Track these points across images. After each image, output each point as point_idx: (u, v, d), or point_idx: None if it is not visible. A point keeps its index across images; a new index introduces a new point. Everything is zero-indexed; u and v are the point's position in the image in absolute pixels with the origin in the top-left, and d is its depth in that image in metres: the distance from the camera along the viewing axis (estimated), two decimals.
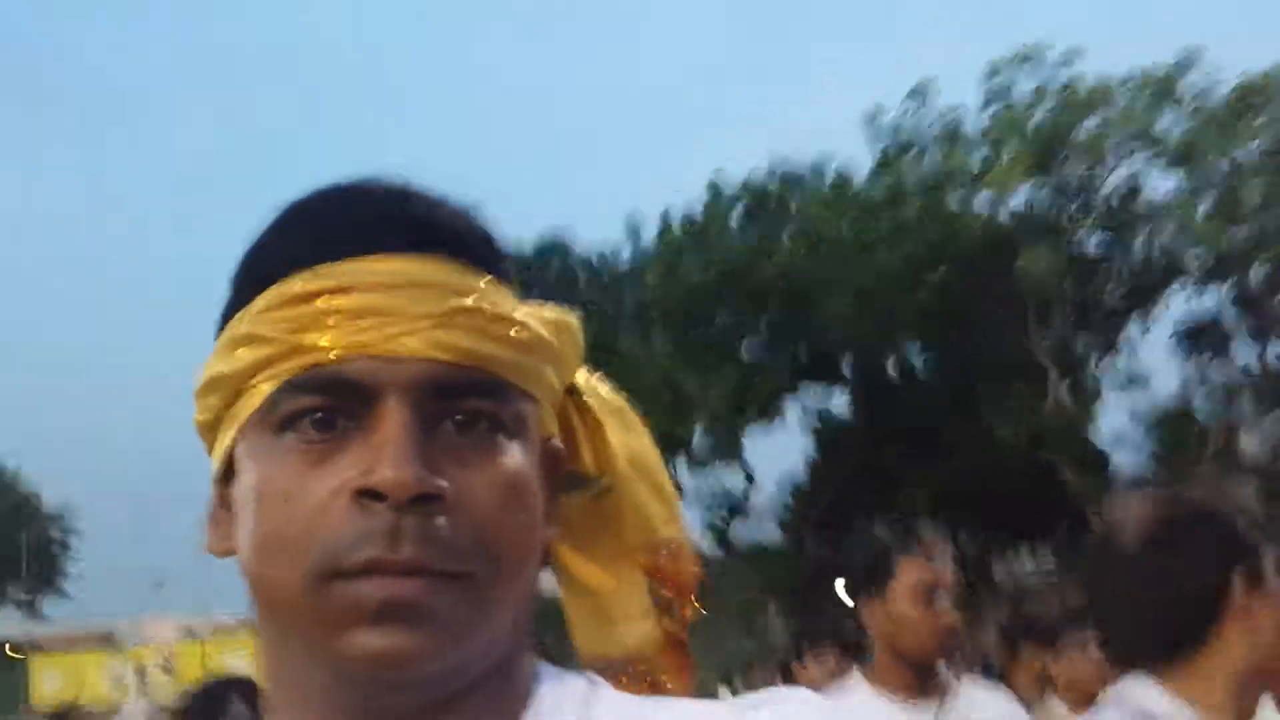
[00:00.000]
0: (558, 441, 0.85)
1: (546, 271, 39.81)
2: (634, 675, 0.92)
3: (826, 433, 32.58)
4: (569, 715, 0.79)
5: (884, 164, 27.94)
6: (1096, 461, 29.42)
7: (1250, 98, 25.59)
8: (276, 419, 0.75)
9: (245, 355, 0.76)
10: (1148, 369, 29.98)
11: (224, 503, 0.81)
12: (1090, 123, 25.91)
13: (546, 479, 0.81)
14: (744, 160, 39.06)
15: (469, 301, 0.76)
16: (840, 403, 32.39)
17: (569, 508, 0.89)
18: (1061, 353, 27.37)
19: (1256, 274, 26.98)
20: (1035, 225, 26.46)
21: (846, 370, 31.07)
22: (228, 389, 0.78)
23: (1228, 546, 1.86)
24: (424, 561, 0.71)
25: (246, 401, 0.77)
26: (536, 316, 0.81)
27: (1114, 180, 26.83)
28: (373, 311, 0.74)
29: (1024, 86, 26.61)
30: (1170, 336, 29.62)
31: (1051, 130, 25.84)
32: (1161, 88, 25.60)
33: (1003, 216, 26.85)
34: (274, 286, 0.77)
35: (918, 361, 30.72)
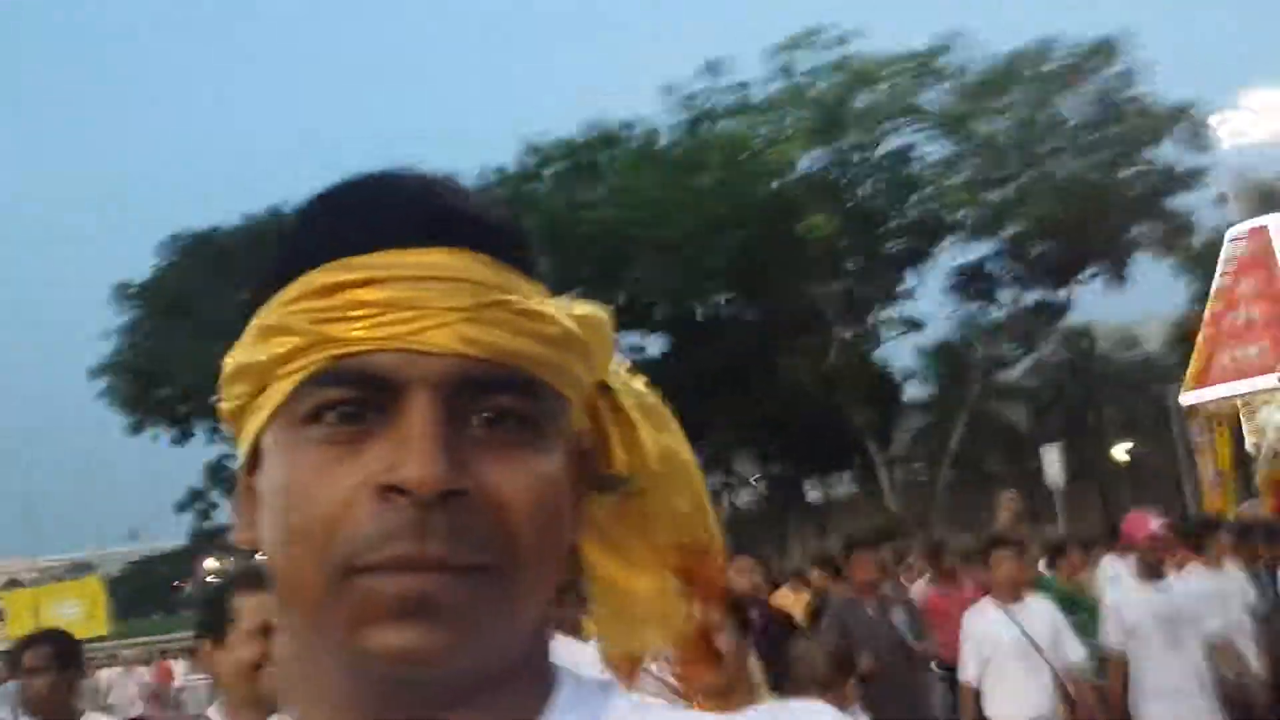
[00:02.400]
0: (588, 440, 0.84)
1: None
2: (659, 676, 0.91)
3: (642, 373, 35.10)
4: (585, 718, 0.79)
5: (687, 131, 30.40)
6: (881, 397, 32.68)
7: (1001, 77, 28.93)
8: (303, 411, 0.74)
9: (273, 346, 0.76)
10: (924, 314, 33.45)
11: (249, 493, 0.81)
12: (864, 97, 28.85)
13: (575, 479, 0.80)
14: (547, 122, 41.03)
15: (498, 296, 0.75)
16: (654, 348, 35.03)
17: (599, 507, 0.87)
18: (846, 302, 30.42)
19: (1014, 230, 30.40)
20: (818, 188, 29.26)
21: (659, 318, 33.57)
22: (254, 379, 0.77)
23: None
24: (448, 557, 0.70)
25: (273, 392, 0.76)
26: (566, 311, 0.79)
27: (887, 147, 29.87)
28: (401, 304, 0.73)
29: (804, 64, 29.53)
30: (945, 286, 33.05)
31: (830, 102, 28.69)
32: (924, 66, 28.70)
33: (790, 180, 29.54)
34: (302, 277, 0.76)
35: (722, 312, 33.42)
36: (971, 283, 32.87)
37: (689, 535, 0.93)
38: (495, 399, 0.74)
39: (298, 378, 0.75)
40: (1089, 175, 29.11)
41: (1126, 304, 35.84)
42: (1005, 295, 33.22)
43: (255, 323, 0.79)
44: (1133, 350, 37.57)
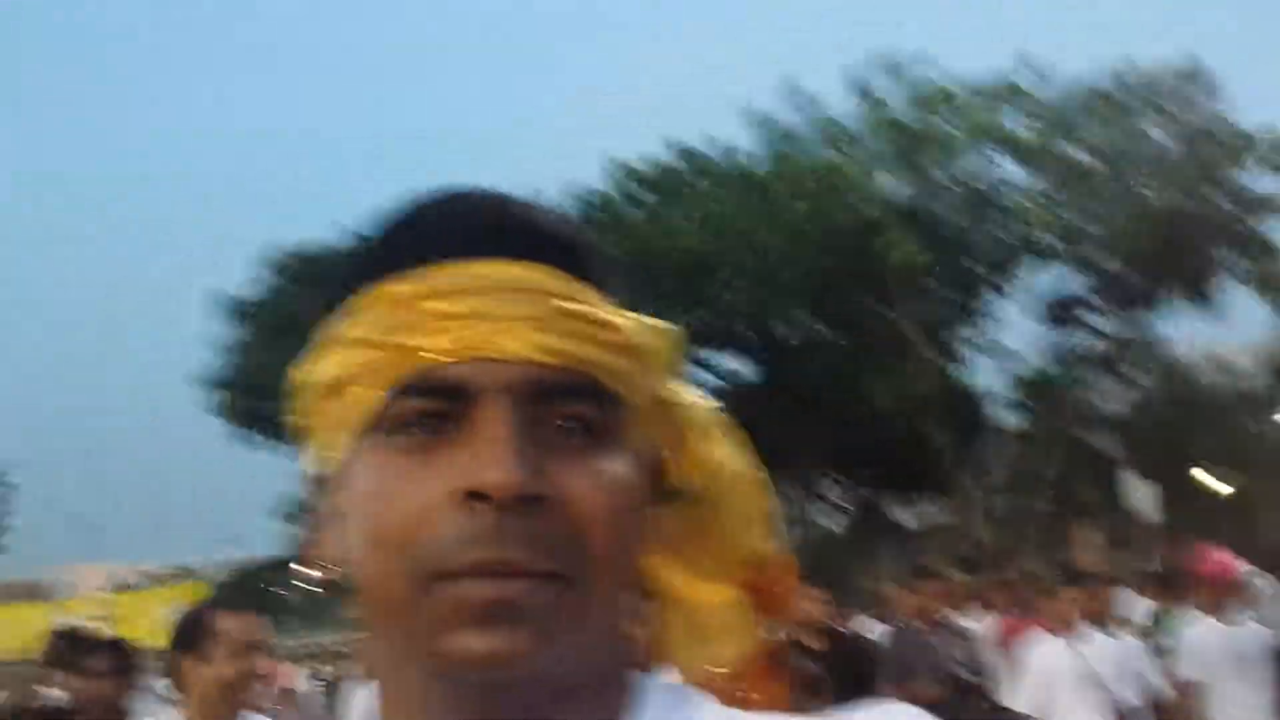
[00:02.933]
0: (654, 451, 0.85)
1: None
2: (728, 691, 0.91)
3: (727, 396, 35.51)
4: None
5: (774, 155, 30.88)
6: (964, 423, 32.64)
7: (1083, 103, 28.99)
8: (384, 422, 0.76)
9: (352, 358, 0.78)
10: (1008, 339, 33.42)
11: (328, 504, 0.83)
12: (945, 121, 29.10)
13: (648, 489, 0.82)
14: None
15: (569, 305, 0.77)
16: (743, 371, 35.45)
17: (666, 520, 0.88)
18: (927, 325, 30.55)
19: (1102, 257, 30.28)
20: (901, 212, 29.50)
21: (743, 341, 33.96)
22: (331, 392, 0.79)
23: None
24: (528, 563, 0.72)
25: (351, 404, 0.78)
26: (637, 323, 0.81)
27: (969, 172, 30.03)
28: (476, 315, 0.76)
29: (880, 85, 29.84)
30: (1031, 310, 33.00)
31: (912, 126, 28.99)
32: (1008, 91, 28.87)
33: (873, 204, 29.82)
34: (378, 289, 0.78)
35: (806, 335, 33.70)
36: (1058, 309, 32.71)
37: (751, 549, 0.94)
38: (568, 406, 0.76)
39: (378, 389, 0.76)
40: (1172, 201, 28.92)
41: (1219, 333, 35.29)
42: (1093, 321, 33.02)
43: (333, 333, 0.80)
44: (1227, 378, 36.92)
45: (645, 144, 35.56)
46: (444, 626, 0.73)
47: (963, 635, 7.91)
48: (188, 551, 49.96)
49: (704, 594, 0.92)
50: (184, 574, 39.86)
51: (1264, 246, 30.40)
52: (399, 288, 0.78)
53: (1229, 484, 35.29)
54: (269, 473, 54.22)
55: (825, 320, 32.32)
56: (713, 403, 0.93)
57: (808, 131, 30.56)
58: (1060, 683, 6.44)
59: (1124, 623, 9.75)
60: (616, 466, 0.78)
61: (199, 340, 42.53)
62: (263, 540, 55.92)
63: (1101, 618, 7.00)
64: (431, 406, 0.76)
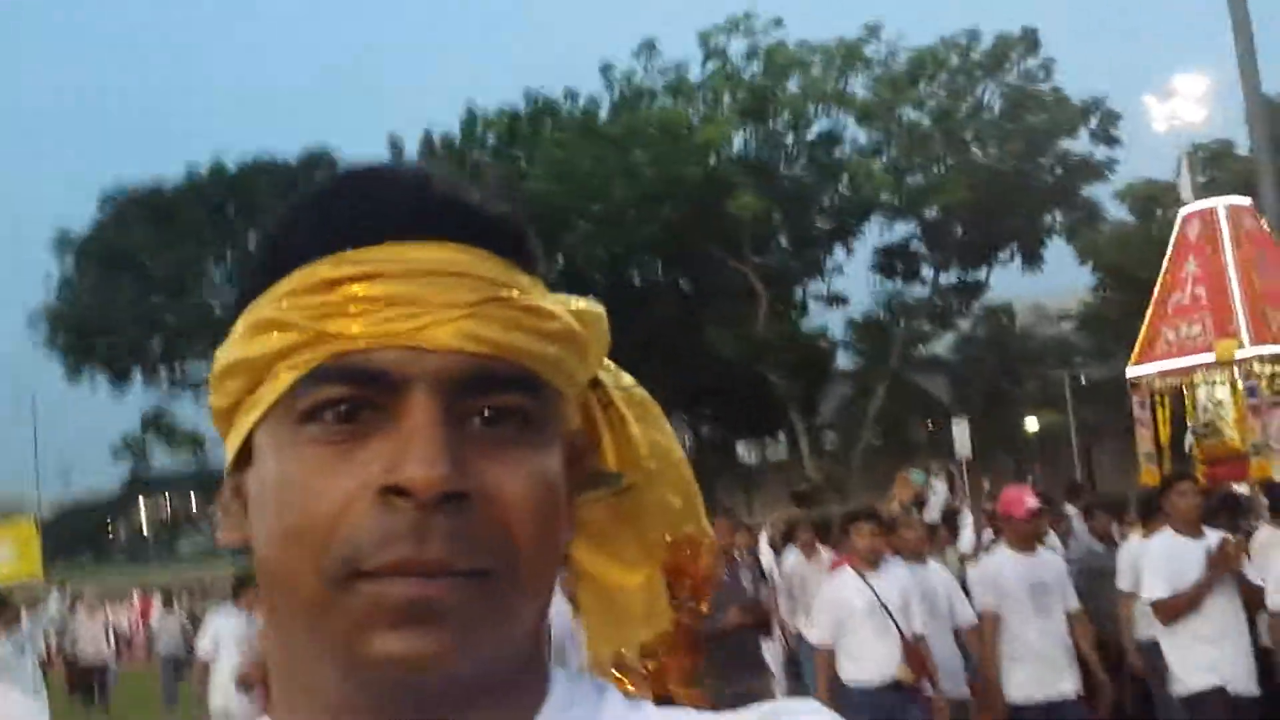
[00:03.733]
0: (580, 437, 0.82)
1: (308, 184, 41.63)
2: (643, 673, 0.91)
3: None
4: (580, 718, 0.78)
5: (625, 108, 31.39)
6: (806, 367, 34.01)
7: (924, 66, 30.29)
8: (299, 409, 0.72)
9: (269, 341, 0.73)
10: (849, 290, 34.89)
11: (238, 491, 0.79)
12: (793, 82, 30.05)
13: (569, 477, 0.78)
14: (489, 91, 41.97)
15: (500, 292, 0.73)
16: None
17: (589, 505, 0.86)
18: (772, 277, 31.65)
19: (934, 213, 31.82)
20: (748, 167, 30.40)
21: (593, 287, 34.55)
22: (249, 375, 0.75)
23: None
24: (451, 562, 0.68)
25: (268, 388, 0.74)
26: (565, 307, 0.77)
27: (815, 131, 31.14)
28: (401, 300, 0.71)
29: (735, 49, 30.75)
30: (870, 264, 34.46)
31: (761, 86, 29.86)
32: (851, 54, 29.96)
33: (722, 159, 30.64)
34: (298, 271, 0.73)
35: (654, 282, 34.50)
36: (894, 261, 34.23)
37: (681, 530, 0.92)
38: (497, 396, 0.72)
39: (296, 374, 0.72)
40: (1006, 163, 30.54)
41: (1040, 286, 37.33)
42: (926, 274, 34.71)
43: (248, 316, 0.76)
44: (1048, 329, 39.08)
45: (506, 96, 35.60)
46: (362, 627, 0.69)
47: (755, 565, 8.26)
48: (17, 486, 48.50)
49: (625, 578, 0.91)
50: (14, 507, 38.70)
51: (1087, 209, 32.39)
52: (319, 270, 0.73)
53: (1044, 424, 37.52)
54: (103, 410, 52.80)
55: (673, 269, 33.16)
56: (640, 387, 0.90)
57: (654, 84, 31.23)
58: (851, 614, 6.65)
59: (960, 555, 10.66)
60: (544, 458, 0.74)
61: (34, 276, 41.26)
62: (96, 477, 54.76)
63: (910, 551, 7.30)
64: (350, 394, 0.71)
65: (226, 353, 0.77)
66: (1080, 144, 31.75)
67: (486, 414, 0.72)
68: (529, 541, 0.72)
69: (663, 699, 0.90)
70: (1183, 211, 16.06)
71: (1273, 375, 13.95)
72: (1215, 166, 28.40)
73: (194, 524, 55.62)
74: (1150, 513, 7.46)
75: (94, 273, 40.73)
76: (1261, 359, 13.90)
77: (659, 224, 30.25)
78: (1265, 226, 15.43)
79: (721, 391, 34.52)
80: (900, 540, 7.45)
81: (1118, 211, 33.14)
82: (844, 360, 38.25)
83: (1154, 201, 30.21)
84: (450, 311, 0.71)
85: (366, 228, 0.73)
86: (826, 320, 36.56)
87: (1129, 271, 28.08)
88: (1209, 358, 14.27)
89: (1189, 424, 15.14)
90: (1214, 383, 14.70)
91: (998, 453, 34.91)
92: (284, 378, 0.73)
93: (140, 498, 55.27)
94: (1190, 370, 14.60)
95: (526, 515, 0.72)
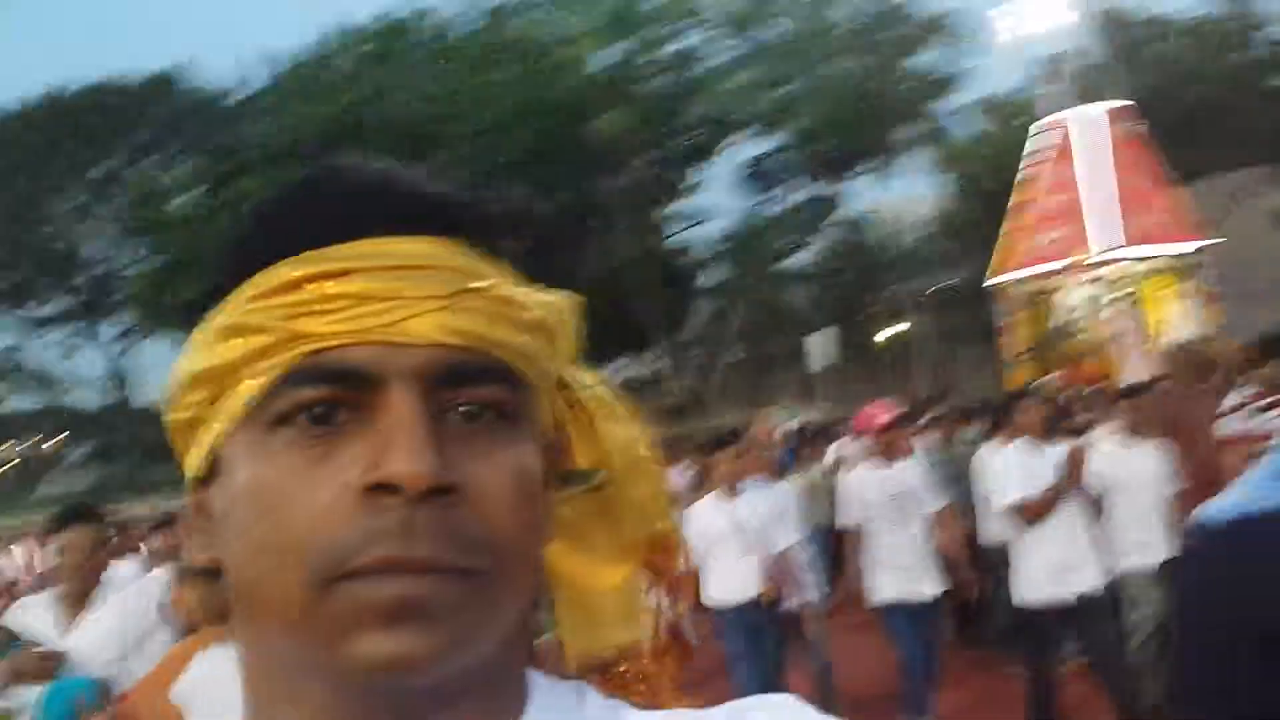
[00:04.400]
0: (552, 435, 0.81)
1: (154, 108, 40.30)
2: (623, 675, 0.89)
3: None
4: None
5: (483, 27, 31.05)
6: (664, 284, 34.40)
7: None
8: (271, 414, 0.70)
9: (234, 347, 0.71)
10: (712, 207, 35.36)
11: (203, 508, 0.76)
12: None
13: (548, 475, 0.77)
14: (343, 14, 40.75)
15: (474, 283, 0.71)
16: None
17: (561, 504, 0.84)
18: (636, 197, 31.84)
19: (796, 127, 32.32)
20: (608, 87, 30.41)
21: None
22: (215, 383, 0.72)
23: None
24: (438, 559, 0.67)
25: (235, 396, 0.71)
26: (538, 299, 0.76)
27: (673, 48, 31.24)
28: (376, 296, 0.69)
29: None
30: (731, 181, 34.96)
31: (617, 3, 29.80)
32: None
33: (581, 79, 30.58)
34: (262, 273, 0.71)
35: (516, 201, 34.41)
36: (754, 178, 34.71)
37: (653, 528, 0.91)
38: (475, 390, 0.71)
39: (268, 378, 0.70)
40: (860, 79, 31.11)
41: (894, 199, 38.27)
42: (785, 190, 35.29)
43: (213, 323, 0.74)
44: (902, 240, 40.04)
45: (356, 18, 34.72)
46: (347, 629, 0.67)
47: None
48: None
49: (600, 578, 0.89)
50: None
51: (937, 125, 33.31)
52: (286, 270, 0.71)
53: (902, 333, 38.57)
54: None
55: (536, 191, 33.02)
56: (604, 385, 0.88)
57: (516, 6, 30.91)
58: (711, 537, 6.77)
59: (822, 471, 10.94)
60: (523, 454, 0.73)
61: None
62: None
63: (760, 471, 7.42)
64: (324, 395, 0.69)
65: (188, 363, 0.75)
66: (931, 59, 32.50)
67: (464, 408, 0.71)
68: (514, 537, 0.71)
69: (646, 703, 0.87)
70: (1035, 125, 16.29)
71: (1123, 276, 14.37)
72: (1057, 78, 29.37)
73: (54, 466, 54.02)
74: (1001, 423, 7.71)
75: None
76: (1126, 260, 14.12)
77: (521, 145, 30.08)
78: (1143, 131, 15.50)
79: (587, 311, 34.68)
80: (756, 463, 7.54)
81: (970, 126, 34.09)
82: (705, 279, 38.83)
83: (1006, 113, 31.08)
84: (425, 304, 0.70)
85: (334, 225, 0.72)
86: (688, 239, 36.98)
87: (982, 181, 29.02)
88: (1062, 264, 14.57)
89: (1049, 326, 15.46)
90: (1074, 287, 14.99)
91: (858, 364, 35.82)
92: (254, 383, 0.71)
93: None
94: (1050, 275, 14.99)
95: (511, 510, 0.71)
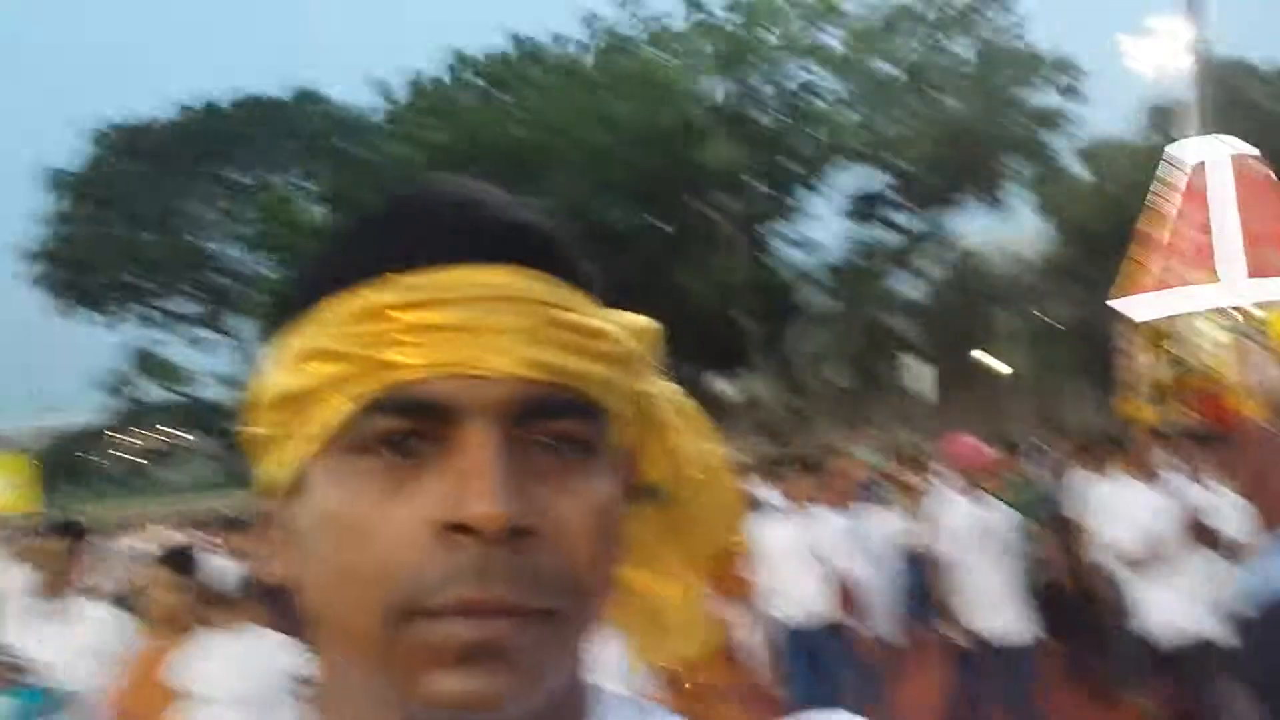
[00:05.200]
0: (627, 453, 0.79)
1: (304, 120, 42.18)
2: (688, 686, 1.15)
3: None
4: None
5: (604, 53, 32.39)
6: (772, 307, 35.27)
7: (898, 21, 31.54)
8: (351, 440, 0.69)
9: (318, 371, 0.71)
10: (820, 237, 36.33)
11: (279, 523, 0.76)
12: (768, 34, 31.23)
13: (625, 497, 0.76)
14: (469, 33, 42.37)
15: (558, 315, 0.70)
16: None
17: (635, 519, 0.81)
18: (742, 220, 32.94)
19: (903, 160, 33.12)
20: (725, 117, 31.51)
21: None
22: (294, 406, 0.72)
23: None
24: (515, 602, 0.66)
25: (316, 421, 0.71)
26: (621, 325, 0.75)
27: (789, 82, 32.34)
28: (457, 327, 0.68)
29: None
30: (841, 210, 35.88)
31: (737, 37, 30.94)
32: (825, 6, 31.13)
33: (699, 109, 31.77)
34: (348, 296, 0.71)
35: (629, 224, 35.64)
36: (864, 207, 35.56)
37: (721, 543, 0.89)
38: (556, 424, 0.70)
39: (351, 406, 0.69)
40: (968, 111, 31.89)
41: (1001, 233, 38.71)
42: (895, 219, 36.11)
43: (294, 344, 0.73)
44: (1012, 272, 40.28)
45: (488, 37, 36.39)
46: (422, 667, 0.67)
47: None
48: (4, 420, 49.36)
49: (666, 589, 0.86)
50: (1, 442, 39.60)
51: (1046, 157, 33.83)
52: (370, 295, 0.70)
53: (1008, 365, 38.79)
54: (88, 343, 53.62)
55: (647, 214, 34.25)
56: (685, 394, 0.86)
57: (637, 33, 32.22)
58: (781, 555, 6.86)
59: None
60: (604, 487, 0.71)
61: (20, 212, 41.89)
62: (81, 410, 55.58)
63: (839, 500, 7.52)
64: (404, 426, 0.68)
65: (271, 382, 0.75)
66: (1041, 99, 33.07)
67: (545, 442, 0.70)
68: (593, 576, 0.70)
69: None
70: (1169, 153, 16.29)
71: (1254, 317, 14.27)
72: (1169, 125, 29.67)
73: (183, 456, 56.55)
74: (1106, 453, 7.57)
75: (87, 210, 41.23)
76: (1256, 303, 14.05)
77: (636, 170, 31.24)
78: (1270, 174, 15.62)
79: (693, 332, 35.73)
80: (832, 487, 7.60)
81: (1079, 167, 34.57)
82: (817, 303, 39.63)
83: (1115, 155, 31.48)
84: (508, 338, 0.69)
85: (416, 251, 0.71)
86: (796, 262, 37.86)
87: (1089, 227, 29.48)
88: (1202, 292, 14.42)
89: (1169, 355, 15.42)
90: (1204, 317, 14.88)
91: (958, 392, 36.23)
92: (336, 409, 0.70)
93: (129, 430, 56.14)
94: (1179, 305, 14.88)
95: (590, 549, 0.70)
